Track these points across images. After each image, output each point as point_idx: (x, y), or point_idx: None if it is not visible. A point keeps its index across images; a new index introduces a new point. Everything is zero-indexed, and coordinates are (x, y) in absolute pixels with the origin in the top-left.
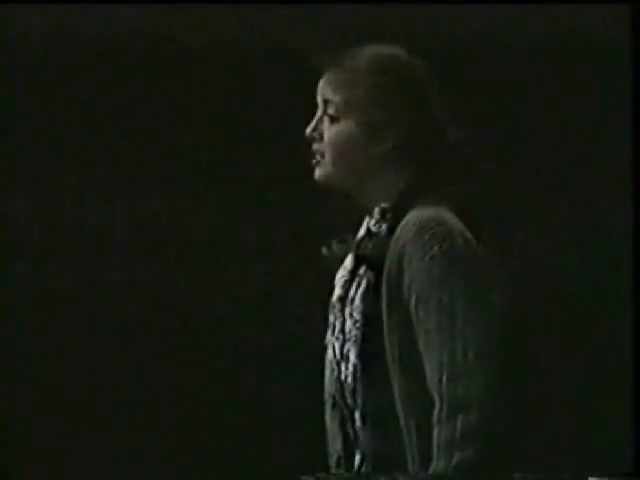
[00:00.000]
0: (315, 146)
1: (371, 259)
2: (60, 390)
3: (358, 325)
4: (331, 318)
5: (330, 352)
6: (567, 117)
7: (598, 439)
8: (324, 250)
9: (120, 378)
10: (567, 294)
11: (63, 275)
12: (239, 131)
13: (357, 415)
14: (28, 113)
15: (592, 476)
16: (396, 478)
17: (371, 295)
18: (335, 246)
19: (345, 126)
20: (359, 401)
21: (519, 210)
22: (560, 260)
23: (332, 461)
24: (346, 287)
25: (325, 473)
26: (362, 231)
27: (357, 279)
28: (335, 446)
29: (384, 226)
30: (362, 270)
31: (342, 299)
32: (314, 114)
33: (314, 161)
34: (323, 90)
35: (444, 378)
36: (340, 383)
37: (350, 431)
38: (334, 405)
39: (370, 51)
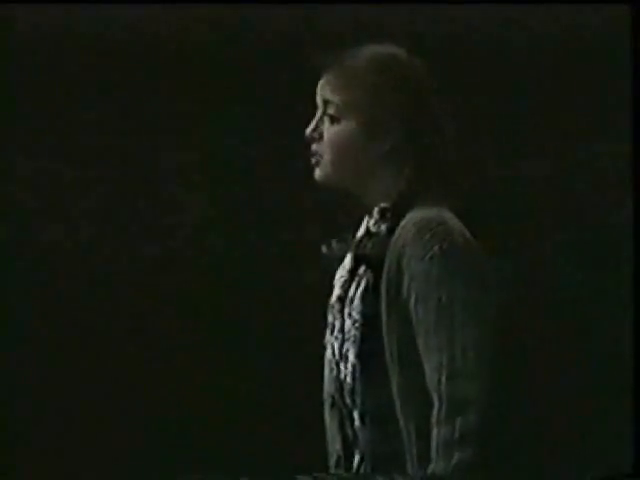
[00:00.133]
0: (315, 146)
1: (371, 259)
2: (60, 390)
3: (357, 325)
4: (330, 318)
5: (329, 352)
6: (567, 117)
7: (598, 439)
8: (324, 249)
9: (120, 378)
10: (567, 294)
11: (63, 275)
12: (239, 131)
13: (356, 415)
14: (28, 113)
15: (592, 476)
16: (395, 478)
17: (370, 295)
18: (335, 245)
19: (345, 126)
20: (358, 401)
21: (519, 210)
22: (560, 260)
23: (332, 461)
24: (345, 287)
25: (323, 473)
26: (361, 231)
27: (356, 279)
28: (334, 446)
29: (384, 226)
30: (361, 270)
31: (341, 299)
32: (314, 114)
33: (314, 161)
34: (323, 90)
35: (443, 378)
36: (339, 383)
37: (349, 431)
38: (333, 405)
39: (369, 51)
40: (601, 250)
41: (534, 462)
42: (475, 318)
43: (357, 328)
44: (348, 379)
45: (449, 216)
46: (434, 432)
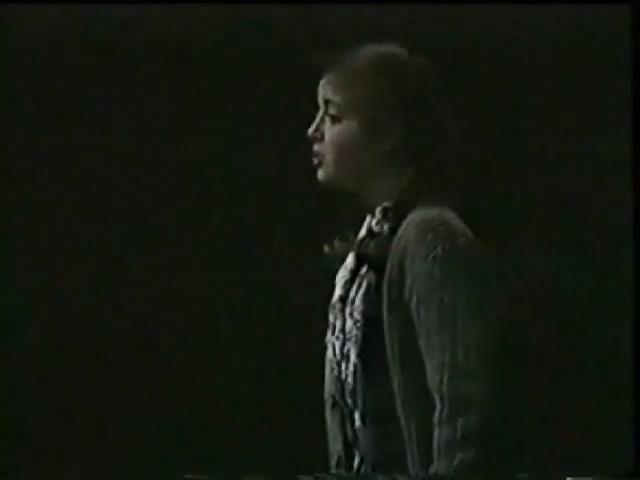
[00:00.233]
0: (316, 147)
1: (373, 259)
2: (60, 390)
3: (359, 325)
4: (331, 318)
5: (330, 352)
6: (567, 117)
7: (598, 439)
8: (326, 248)
9: (120, 378)
10: (567, 294)
11: (63, 274)
12: (239, 130)
13: (357, 415)
14: (28, 113)
15: (592, 476)
16: (396, 479)
17: (372, 295)
18: (337, 244)
19: (346, 126)
20: (359, 401)
21: (519, 210)
22: (560, 260)
23: (332, 461)
24: (347, 287)
25: (324, 473)
26: (364, 230)
27: (358, 279)
28: (335, 446)
29: (386, 226)
30: (363, 270)
31: (343, 299)
32: (314, 114)
33: (316, 161)
34: (324, 90)
35: (445, 379)
36: (340, 383)
37: (349, 431)
38: (334, 405)
39: (370, 50)
40: (601, 250)
41: (534, 462)
42: (477, 318)
43: (358, 328)
44: (349, 379)
45: (451, 216)
46: (436, 432)
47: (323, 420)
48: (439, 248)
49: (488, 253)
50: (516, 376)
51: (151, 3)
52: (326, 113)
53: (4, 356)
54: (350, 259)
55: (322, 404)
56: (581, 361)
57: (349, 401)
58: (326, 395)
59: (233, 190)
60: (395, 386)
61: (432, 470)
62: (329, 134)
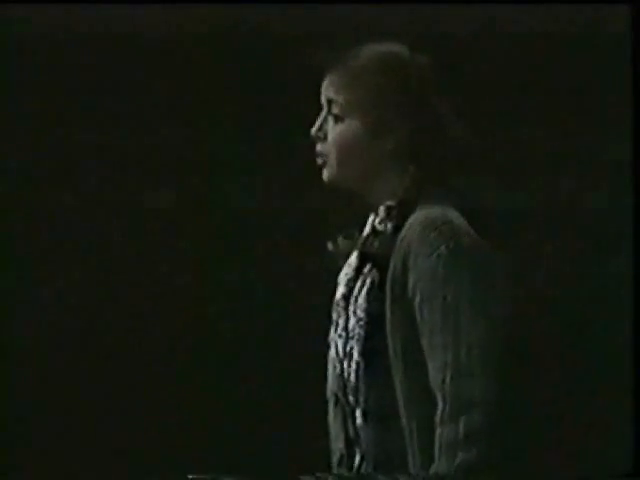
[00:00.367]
0: (319, 147)
1: (376, 257)
2: (60, 390)
3: (362, 323)
4: (334, 316)
5: (333, 350)
6: (567, 117)
7: (598, 439)
8: (330, 245)
9: (120, 378)
10: (566, 294)
11: (63, 274)
12: (240, 130)
13: (358, 413)
14: (28, 113)
15: (592, 476)
16: (398, 478)
17: (375, 293)
18: (341, 242)
19: (349, 125)
20: (361, 399)
21: (522, 209)
22: (561, 260)
23: (334, 459)
24: (350, 285)
25: (326, 473)
26: (367, 229)
27: (362, 277)
28: (337, 444)
29: (389, 224)
30: (367, 268)
31: (346, 297)
32: (315, 114)
33: (320, 161)
34: (327, 90)
35: (448, 378)
36: (342, 381)
37: (351, 429)
38: (336, 403)
39: (372, 50)
40: (602, 250)
41: (534, 462)
42: (481, 317)
43: (361, 326)
44: (352, 377)
45: (455, 215)
46: (438, 432)
47: (325, 418)
48: (442, 247)
49: (491, 252)
50: (518, 376)
51: (151, 3)
52: (329, 113)
53: (4, 356)
54: (354, 257)
55: (324, 402)
56: (581, 361)
57: (351, 399)
58: (328, 393)
59: (235, 190)
60: (397, 385)
61: (433, 469)
62: (332, 134)
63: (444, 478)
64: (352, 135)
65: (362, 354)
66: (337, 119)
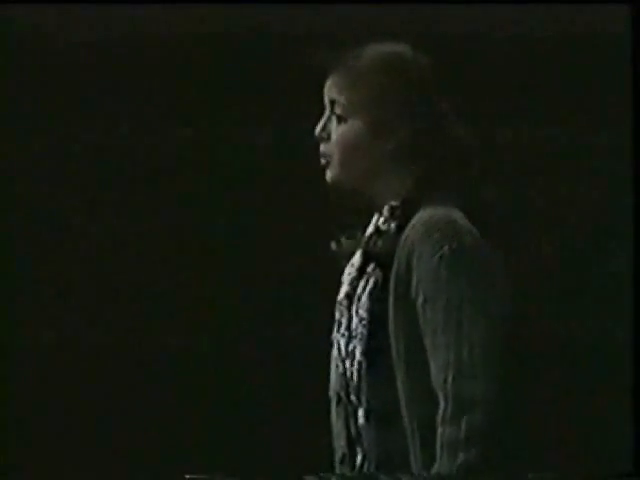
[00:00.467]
0: (323, 147)
1: (380, 257)
2: (60, 390)
3: (364, 323)
4: (337, 315)
5: (335, 349)
6: (567, 117)
7: (598, 439)
8: (333, 245)
9: (120, 377)
10: (566, 294)
11: (62, 274)
12: (241, 130)
13: (360, 412)
14: (28, 113)
15: (592, 476)
16: (399, 478)
17: (378, 293)
18: (344, 241)
19: (352, 126)
20: (363, 399)
21: (524, 209)
22: (561, 260)
23: (337, 457)
24: (354, 284)
25: (329, 473)
26: (371, 229)
27: (365, 277)
28: (339, 442)
29: (393, 224)
30: (370, 268)
31: (349, 296)
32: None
33: (324, 162)
34: (329, 91)
35: (450, 378)
36: (345, 380)
37: (353, 428)
38: (339, 402)
39: (374, 50)
40: (602, 250)
41: (534, 462)
42: (483, 318)
43: (364, 326)
44: (354, 377)
45: (458, 215)
46: (439, 431)
47: (328, 418)
48: (446, 247)
49: (494, 252)
50: (520, 376)
51: (151, 3)
52: (332, 113)
53: (4, 356)
54: (357, 257)
55: (327, 401)
56: (581, 361)
57: (353, 398)
58: (331, 392)
59: (237, 190)
60: (399, 384)
61: (435, 469)
62: (335, 134)
63: (446, 478)
64: (355, 135)
65: (365, 353)
66: (340, 119)
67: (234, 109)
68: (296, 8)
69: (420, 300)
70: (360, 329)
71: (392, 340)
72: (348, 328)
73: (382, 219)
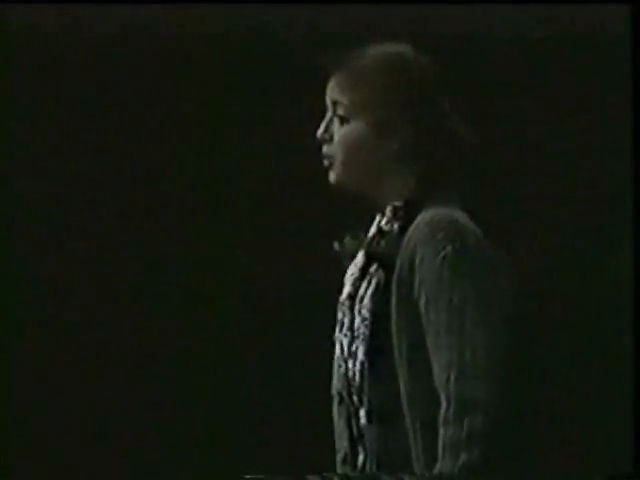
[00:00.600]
0: (326, 148)
1: (382, 257)
2: (60, 390)
3: (367, 323)
4: (340, 315)
5: (338, 349)
6: (567, 117)
7: (598, 439)
8: (336, 245)
9: (121, 377)
10: (566, 294)
11: (62, 274)
12: (242, 131)
13: (362, 412)
14: (28, 113)
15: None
16: (402, 478)
17: (381, 293)
18: (347, 241)
19: (354, 126)
20: (365, 399)
21: (527, 210)
22: (561, 260)
23: (339, 457)
24: (356, 285)
25: (332, 472)
26: (373, 229)
27: (368, 277)
28: (342, 442)
29: (396, 225)
30: (373, 268)
31: (352, 296)
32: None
33: (326, 163)
34: (331, 92)
35: (452, 378)
36: (347, 380)
37: (355, 428)
38: (341, 402)
39: (376, 51)
40: (603, 250)
41: (534, 462)
42: (486, 319)
43: (367, 326)
44: (356, 377)
45: (461, 215)
46: (441, 432)
47: (331, 418)
48: (449, 248)
49: (498, 253)
50: (523, 377)
51: (151, 3)
52: (334, 114)
53: (4, 356)
54: (360, 257)
55: (330, 402)
56: (581, 361)
57: (355, 398)
58: (333, 392)
59: (239, 190)
60: (401, 384)
61: (436, 469)
62: (338, 135)
63: (447, 478)
64: (357, 136)
65: (367, 354)
66: (342, 120)
67: (234, 109)
68: (296, 8)
69: (423, 301)
70: (362, 329)
71: (394, 340)
72: (350, 328)
73: (385, 220)
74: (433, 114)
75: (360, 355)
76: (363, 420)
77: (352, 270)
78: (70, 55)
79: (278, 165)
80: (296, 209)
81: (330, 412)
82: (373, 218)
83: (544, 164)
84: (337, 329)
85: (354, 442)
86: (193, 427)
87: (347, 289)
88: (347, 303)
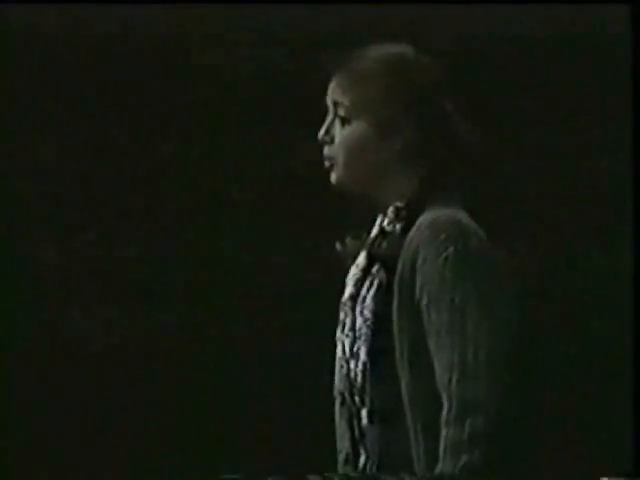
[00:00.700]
0: (327, 150)
1: (384, 258)
2: (60, 390)
3: (369, 323)
4: (342, 315)
5: (340, 349)
6: (567, 117)
7: (598, 440)
8: (338, 246)
9: (121, 377)
10: (565, 293)
11: (62, 274)
12: (242, 131)
13: (364, 413)
14: (28, 113)
15: (592, 476)
16: (403, 478)
17: (383, 294)
18: (349, 242)
19: (356, 127)
20: (366, 399)
21: (529, 210)
22: (562, 260)
23: (341, 457)
24: (358, 285)
25: (333, 473)
26: (375, 230)
27: (370, 278)
28: (343, 443)
29: (398, 226)
30: (375, 269)
31: (354, 297)
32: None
33: (328, 164)
34: (332, 93)
35: (454, 379)
36: (349, 381)
37: (356, 429)
38: (343, 402)
39: (377, 51)
40: (603, 250)
41: (535, 462)
42: (488, 320)
43: (368, 326)
44: (358, 377)
45: (463, 216)
46: (443, 433)
47: (332, 418)
48: (451, 249)
49: (500, 254)
50: (524, 377)
51: (151, 3)
52: (336, 116)
53: (4, 356)
54: (362, 258)
55: (332, 402)
56: (581, 361)
57: (357, 399)
58: (335, 392)
59: (240, 190)
60: (403, 385)
61: (437, 470)
62: (339, 136)
63: (448, 479)
64: (359, 137)
65: (369, 354)
66: (344, 121)
67: (234, 109)
68: (296, 8)
69: (424, 301)
70: (364, 330)
71: (396, 341)
72: (352, 329)
73: (387, 220)
74: (435, 114)
75: (362, 356)
76: (365, 421)
77: (354, 271)
78: (70, 55)
79: (279, 165)
80: (298, 209)
81: (332, 412)
82: (375, 219)
83: (544, 164)
84: (339, 330)
85: (356, 443)
86: (194, 427)
87: (349, 290)
88: (349, 304)
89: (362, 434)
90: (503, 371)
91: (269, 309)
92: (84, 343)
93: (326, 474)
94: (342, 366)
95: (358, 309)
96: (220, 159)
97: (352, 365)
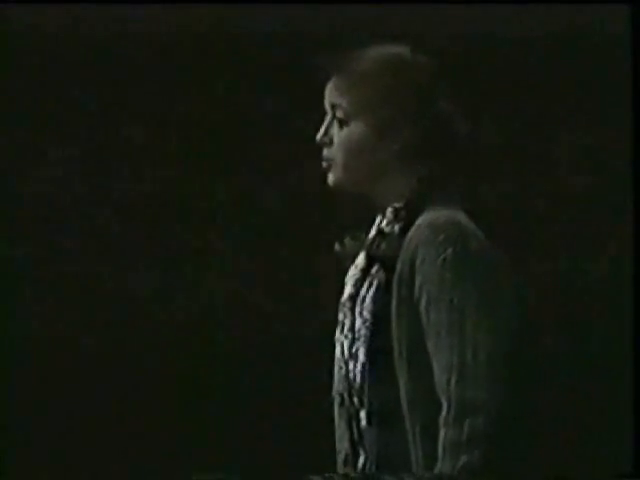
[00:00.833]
0: (326, 151)
1: (383, 259)
2: (60, 390)
3: (368, 324)
4: (341, 316)
5: (339, 350)
6: (567, 117)
7: (598, 440)
8: (337, 246)
9: (122, 376)
10: (565, 293)
11: (62, 274)
12: (242, 129)
13: (363, 414)
14: (28, 113)
15: (592, 476)
16: (403, 478)
17: (382, 295)
18: (348, 243)
19: (354, 128)
20: (365, 400)
21: (530, 210)
22: (561, 261)
23: (340, 458)
24: (357, 286)
25: (333, 473)
26: (374, 231)
27: (369, 278)
28: (343, 444)
29: (397, 226)
30: (374, 270)
31: (353, 298)
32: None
33: (325, 165)
34: (330, 94)
35: (453, 380)
36: (348, 381)
37: (355, 430)
38: (342, 403)
39: (374, 52)
40: (603, 250)
41: (534, 462)
42: (487, 320)
43: (367, 327)
44: (357, 378)
45: (462, 217)
46: (441, 433)
47: (332, 419)
48: (450, 250)
49: (499, 255)
50: (523, 378)
51: (151, 3)
52: (334, 117)
53: (4, 356)
54: (361, 258)
55: (331, 403)
56: (581, 361)
57: (356, 400)
58: (334, 393)
59: (240, 190)
60: (402, 386)
61: (436, 471)
62: (338, 138)
63: (447, 479)
64: (357, 138)
65: (368, 355)
66: (342, 123)
67: (234, 109)
68: (296, 8)
69: (424, 302)
70: (363, 331)
71: (395, 342)
72: (351, 329)
73: (385, 221)
74: (433, 114)
75: (361, 356)
76: (363, 422)
77: (353, 271)
78: (70, 55)
79: (279, 166)
80: (297, 210)
81: (331, 413)
82: (374, 219)
83: (544, 164)
84: (338, 330)
85: (355, 443)
86: (194, 427)
87: (348, 290)
88: (348, 304)
89: (361, 435)
90: (502, 371)
91: (267, 310)
92: (84, 343)
93: (326, 474)
94: (341, 367)
95: (357, 310)
96: (220, 159)
97: (351, 366)
